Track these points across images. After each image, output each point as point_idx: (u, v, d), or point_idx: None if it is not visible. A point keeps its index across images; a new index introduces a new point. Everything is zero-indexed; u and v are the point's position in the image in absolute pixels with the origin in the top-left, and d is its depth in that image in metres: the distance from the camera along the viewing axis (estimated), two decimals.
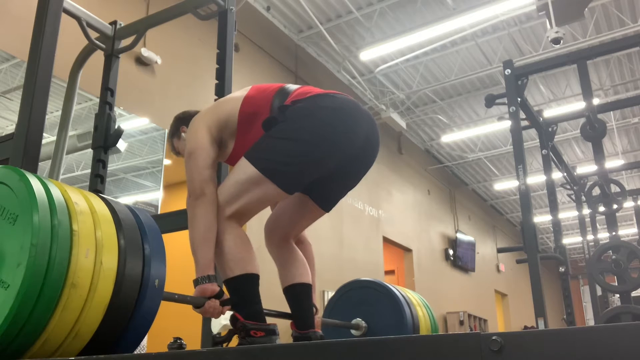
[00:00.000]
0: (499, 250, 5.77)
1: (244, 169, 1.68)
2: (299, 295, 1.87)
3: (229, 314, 1.66)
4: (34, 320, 1.15)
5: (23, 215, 1.20)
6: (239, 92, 1.89)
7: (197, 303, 1.63)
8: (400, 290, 2.50)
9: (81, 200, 1.31)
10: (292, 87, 1.83)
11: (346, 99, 1.78)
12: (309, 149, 1.67)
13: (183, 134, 1.96)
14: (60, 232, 1.19)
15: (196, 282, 1.64)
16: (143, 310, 1.31)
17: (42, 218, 1.17)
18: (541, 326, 3.04)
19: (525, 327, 10.14)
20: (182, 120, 2.00)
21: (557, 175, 5.14)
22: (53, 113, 4.30)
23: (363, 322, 2.43)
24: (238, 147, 1.82)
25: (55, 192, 1.25)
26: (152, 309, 1.34)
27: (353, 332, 2.43)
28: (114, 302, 1.25)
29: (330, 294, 7.06)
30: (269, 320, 1.71)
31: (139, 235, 1.36)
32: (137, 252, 1.33)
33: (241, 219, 1.71)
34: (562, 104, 9.43)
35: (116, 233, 1.31)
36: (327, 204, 1.91)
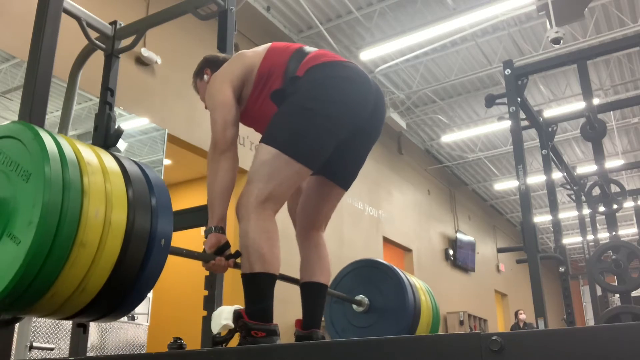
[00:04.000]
0: (499, 250, 5.76)
1: (264, 153, 1.69)
2: (315, 294, 1.88)
3: (229, 314, 1.65)
4: (43, 276, 1.17)
5: (35, 173, 1.22)
6: (260, 48, 1.92)
7: (205, 258, 1.67)
8: (407, 275, 2.54)
9: (91, 156, 1.33)
10: (307, 50, 1.85)
11: (356, 69, 1.81)
12: (321, 121, 1.69)
13: (206, 76, 2.00)
14: (71, 190, 1.21)
15: (209, 231, 1.69)
16: (150, 265, 1.33)
17: (54, 176, 1.20)
18: (541, 326, 3.04)
19: (525, 324, 10.19)
20: (210, 63, 2.02)
21: (557, 175, 5.14)
22: (53, 113, 4.30)
23: (366, 299, 2.48)
24: (250, 105, 1.85)
25: (67, 149, 1.27)
26: (159, 264, 1.36)
27: (355, 307, 2.49)
28: (122, 259, 1.28)
29: None
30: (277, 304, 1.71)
31: (147, 190, 1.38)
32: (145, 207, 1.35)
33: (272, 206, 1.69)
34: (562, 104, 9.43)
35: (125, 188, 1.34)
36: (344, 181, 1.95)
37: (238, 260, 1.72)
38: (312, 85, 1.73)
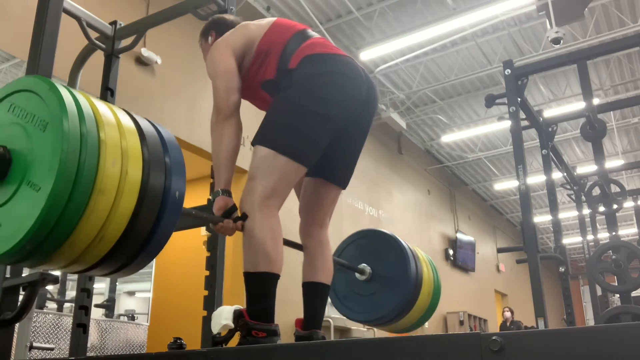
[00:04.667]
0: (499, 250, 5.76)
1: (260, 154, 1.71)
2: (317, 295, 1.88)
3: (229, 314, 1.65)
4: (63, 222, 1.19)
5: (53, 122, 1.23)
6: (264, 21, 1.94)
7: (213, 220, 1.69)
8: (409, 246, 2.56)
9: (107, 111, 1.35)
10: (307, 35, 1.88)
11: (350, 63, 1.83)
12: (315, 119, 1.71)
13: (210, 39, 2.02)
14: (88, 140, 1.23)
15: (217, 194, 1.72)
16: (165, 219, 1.35)
17: (72, 125, 1.22)
18: (541, 326, 3.04)
19: (526, 327, 10.13)
20: (216, 26, 2.04)
21: (557, 175, 5.14)
22: None
23: (369, 267, 2.50)
24: (247, 79, 1.85)
25: (83, 102, 1.29)
26: (173, 219, 1.38)
27: (357, 275, 2.52)
28: (138, 210, 1.30)
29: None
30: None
31: (162, 148, 1.40)
32: (159, 164, 1.37)
33: (276, 203, 1.71)
34: (562, 104, 9.43)
35: (140, 145, 1.36)
36: (341, 180, 1.96)
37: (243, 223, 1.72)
38: (305, 81, 1.75)
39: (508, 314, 9.71)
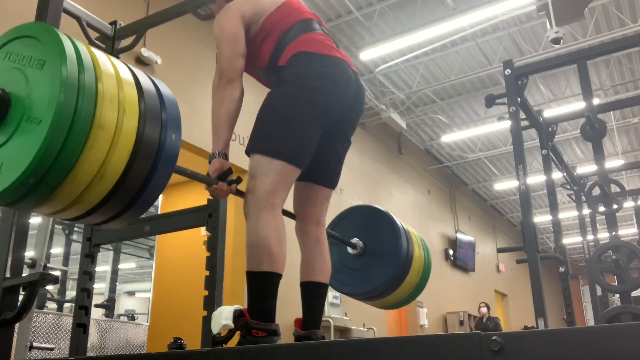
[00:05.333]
0: (499, 250, 5.75)
1: (255, 160, 1.73)
2: (315, 294, 1.88)
3: (229, 314, 1.65)
4: (65, 154, 1.21)
5: (50, 60, 1.26)
6: None
7: (208, 181, 1.70)
8: (402, 223, 2.60)
9: (102, 55, 1.38)
10: (309, 27, 1.88)
11: (339, 65, 1.83)
12: (304, 120, 1.73)
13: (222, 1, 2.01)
14: (86, 74, 1.27)
15: (213, 156, 1.72)
16: (163, 158, 1.37)
17: (70, 58, 1.25)
18: (541, 326, 3.04)
19: (525, 327, 10.10)
20: None
21: (557, 175, 5.13)
22: None
23: (361, 242, 2.53)
24: (248, 49, 1.85)
25: (80, 45, 1.33)
26: (172, 157, 1.40)
27: (349, 249, 2.55)
28: (137, 149, 1.32)
29: (330, 294, 7.07)
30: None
31: (158, 101, 1.42)
32: (154, 102, 1.39)
33: (280, 202, 1.73)
34: (562, 104, 9.43)
35: (134, 79, 1.38)
36: (329, 181, 1.97)
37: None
38: (295, 83, 1.76)
39: (484, 310, 9.45)
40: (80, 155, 1.23)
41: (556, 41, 4.36)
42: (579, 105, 7.37)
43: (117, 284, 5.02)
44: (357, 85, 1.89)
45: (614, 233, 4.45)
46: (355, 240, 2.54)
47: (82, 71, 1.26)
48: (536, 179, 11.30)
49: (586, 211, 5.35)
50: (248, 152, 1.75)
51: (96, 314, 4.28)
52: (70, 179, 1.24)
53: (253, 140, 1.75)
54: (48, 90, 1.23)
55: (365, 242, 2.53)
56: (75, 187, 1.27)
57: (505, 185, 13.20)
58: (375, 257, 2.50)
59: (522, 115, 3.78)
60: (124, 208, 1.39)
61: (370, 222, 2.59)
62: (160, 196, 5.60)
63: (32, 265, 2.63)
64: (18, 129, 1.25)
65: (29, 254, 2.54)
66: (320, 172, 1.93)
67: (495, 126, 10.10)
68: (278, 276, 1.65)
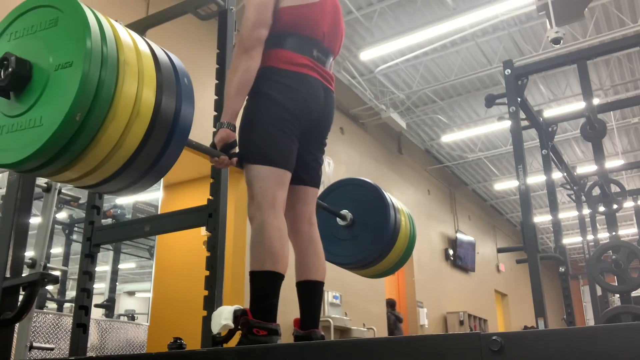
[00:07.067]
0: (499, 250, 5.76)
1: (248, 171, 1.79)
2: (312, 293, 1.89)
3: (229, 314, 1.65)
4: (99, 99, 1.26)
5: (67, 13, 1.34)
6: None
7: (212, 153, 1.74)
8: (392, 199, 2.70)
9: (119, 25, 1.46)
10: (305, 44, 1.90)
11: (310, 84, 1.87)
12: (280, 125, 1.78)
13: None
14: (107, 35, 1.33)
15: (220, 125, 1.75)
16: (179, 129, 1.42)
17: (90, 18, 1.33)
18: (541, 326, 3.04)
19: (525, 327, 10.11)
20: None
21: (557, 175, 5.13)
22: None
23: (350, 214, 2.62)
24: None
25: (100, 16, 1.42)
26: (186, 128, 1.46)
27: (339, 221, 2.63)
28: (154, 120, 1.37)
29: (330, 294, 7.07)
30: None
31: (173, 73, 1.47)
32: (171, 83, 1.44)
33: (282, 203, 1.78)
34: (562, 104, 9.43)
35: (154, 67, 1.43)
36: (312, 180, 2.01)
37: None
38: (272, 97, 1.80)
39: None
40: (108, 110, 1.28)
41: (556, 41, 4.36)
42: (579, 105, 7.37)
43: (117, 284, 5.01)
44: (327, 96, 1.95)
45: (614, 233, 4.45)
46: (344, 212, 2.62)
47: (102, 28, 1.32)
48: (536, 179, 11.30)
49: (586, 211, 5.35)
50: (240, 164, 1.80)
51: (96, 314, 4.28)
52: (94, 144, 1.29)
53: (241, 152, 1.80)
54: (72, 35, 1.28)
55: (354, 213, 2.61)
56: (98, 153, 1.31)
57: (505, 185, 13.20)
58: (363, 228, 2.60)
59: (522, 115, 3.78)
60: (139, 176, 1.44)
61: (359, 194, 2.68)
62: (161, 196, 5.60)
63: (32, 265, 2.63)
64: (48, 82, 1.29)
65: (29, 254, 2.54)
66: (303, 173, 1.97)
67: (495, 126, 10.10)
68: (280, 276, 1.66)
